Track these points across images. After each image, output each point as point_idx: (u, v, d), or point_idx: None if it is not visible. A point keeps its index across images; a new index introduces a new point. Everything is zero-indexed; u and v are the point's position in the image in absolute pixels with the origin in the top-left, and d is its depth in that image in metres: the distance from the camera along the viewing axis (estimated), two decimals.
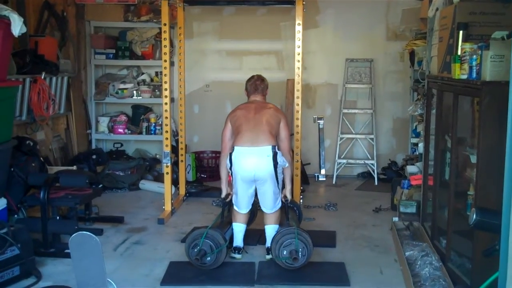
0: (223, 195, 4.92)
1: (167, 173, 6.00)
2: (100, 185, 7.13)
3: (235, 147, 4.59)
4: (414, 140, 6.23)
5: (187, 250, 4.53)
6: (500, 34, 3.52)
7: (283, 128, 4.67)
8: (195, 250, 4.47)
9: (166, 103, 5.91)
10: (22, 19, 4.51)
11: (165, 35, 5.76)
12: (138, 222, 5.87)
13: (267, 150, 4.52)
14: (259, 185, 4.66)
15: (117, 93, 7.74)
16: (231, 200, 4.93)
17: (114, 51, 7.78)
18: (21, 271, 4.25)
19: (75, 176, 5.18)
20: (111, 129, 7.92)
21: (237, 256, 4.79)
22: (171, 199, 6.10)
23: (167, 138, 5.95)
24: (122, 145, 8.10)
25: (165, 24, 5.74)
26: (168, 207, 6.05)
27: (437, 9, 4.74)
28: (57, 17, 7.07)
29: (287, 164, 4.70)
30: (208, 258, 4.47)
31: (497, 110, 3.35)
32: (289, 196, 4.87)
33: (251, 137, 4.56)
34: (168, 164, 5.98)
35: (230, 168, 4.64)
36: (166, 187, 6.04)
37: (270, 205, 4.73)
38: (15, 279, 4.22)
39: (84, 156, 7.44)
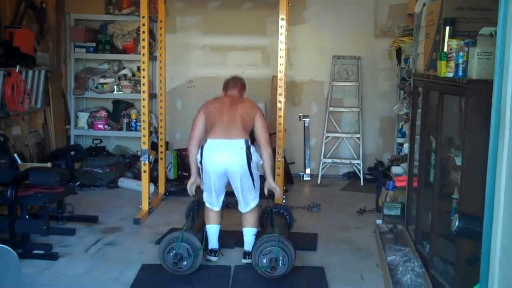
0: (190, 181, 4.60)
1: (145, 171, 5.80)
2: (78, 182, 6.95)
3: (208, 139, 4.41)
4: (400, 140, 6.06)
5: (162, 255, 4.30)
6: (488, 30, 3.33)
7: (259, 119, 4.48)
8: (171, 254, 4.26)
9: (144, 99, 5.70)
10: None
11: (144, 28, 5.55)
12: (113, 221, 5.66)
13: (240, 143, 4.36)
14: (231, 180, 4.46)
15: (97, 87, 7.51)
16: (200, 202, 4.78)
17: (94, 44, 7.55)
18: None
19: (46, 173, 4.93)
20: (91, 125, 7.69)
21: (213, 258, 4.60)
22: (149, 198, 5.89)
23: (144, 135, 5.76)
24: (101, 141, 7.88)
25: (143, 17, 5.53)
26: (145, 206, 5.84)
27: (424, 5, 4.56)
28: (35, 8, 6.81)
29: (261, 162, 4.52)
30: (185, 263, 4.27)
31: (483, 110, 3.14)
32: (276, 187, 4.62)
33: (224, 130, 4.40)
34: (145, 162, 5.78)
35: (200, 162, 4.43)
36: (143, 186, 5.85)
37: (243, 201, 4.54)
38: None
39: (62, 152, 7.20)
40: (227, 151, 4.36)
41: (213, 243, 4.63)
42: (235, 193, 4.57)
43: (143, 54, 5.61)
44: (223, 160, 4.35)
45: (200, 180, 4.58)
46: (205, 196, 4.62)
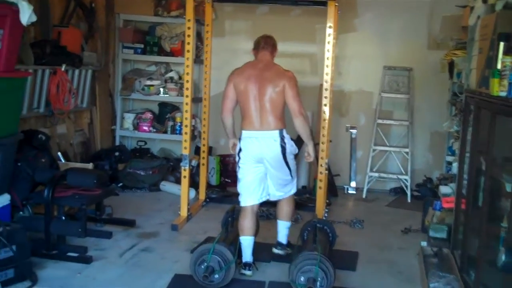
0: (230, 145, 4.71)
1: (185, 176, 5.72)
2: (120, 184, 6.94)
3: (243, 131, 4.44)
4: (449, 158, 5.78)
5: (193, 267, 4.19)
6: None
7: (289, 90, 4.36)
8: (202, 266, 4.14)
9: (187, 103, 5.63)
10: (32, 7, 4.27)
11: (189, 32, 5.48)
12: (151, 226, 5.60)
13: (274, 134, 4.39)
14: (268, 167, 4.45)
15: (143, 89, 7.49)
16: (235, 212, 4.71)
17: (142, 46, 7.52)
18: (16, 274, 4.00)
19: (84, 175, 4.88)
20: (136, 126, 7.68)
21: (247, 272, 4.45)
22: (188, 204, 5.80)
23: (186, 140, 5.67)
24: (146, 143, 7.85)
25: (189, 20, 5.46)
26: (184, 212, 5.75)
27: (478, 17, 4.32)
28: (84, 8, 6.84)
29: (297, 150, 4.60)
30: (216, 276, 4.15)
31: None
32: (312, 154, 4.62)
33: (257, 120, 4.40)
34: (185, 167, 5.69)
35: (238, 154, 4.47)
36: (183, 192, 5.77)
37: (278, 188, 4.56)
38: (9, 282, 3.96)
39: (106, 153, 7.22)
40: (262, 142, 4.38)
41: (247, 256, 4.48)
42: (270, 180, 4.51)
43: (188, 58, 5.53)
44: (259, 149, 4.39)
45: (237, 141, 4.56)
46: (241, 196, 4.54)
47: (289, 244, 4.83)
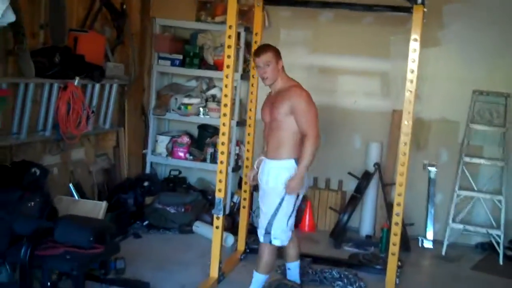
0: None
1: (217, 227, 4.41)
2: (145, 222, 5.78)
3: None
4: None
5: None
6: None
7: None
8: None
9: (224, 124, 4.30)
10: (7, 2, 3.12)
11: (230, 42, 4.20)
12: None
13: None
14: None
15: (179, 108, 6.28)
16: None
17: (181, 57, 6.29)
18: None
19: (76, 230, 3.63)
20: (170, 152, 6.49)
21: None
22: (220, 261, 4.51)
23: (221, 180, 4.37)
24: (180, 172, 6.63)
25: (230, 27, 4.19)
26: (214, 273, 4.47)
27: None
28: (112, 9, 5.65)
29: None
30: None
31: None
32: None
33: None
34: (219, 215, 4.41)
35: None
36: (214, 246, 4.47)
37: None
38: None
39: (133, 183, 6.09)
40: None
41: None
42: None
43: (227, 75, 4.27)
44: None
45: None
46: (285, 234, 4.11)
47: None
